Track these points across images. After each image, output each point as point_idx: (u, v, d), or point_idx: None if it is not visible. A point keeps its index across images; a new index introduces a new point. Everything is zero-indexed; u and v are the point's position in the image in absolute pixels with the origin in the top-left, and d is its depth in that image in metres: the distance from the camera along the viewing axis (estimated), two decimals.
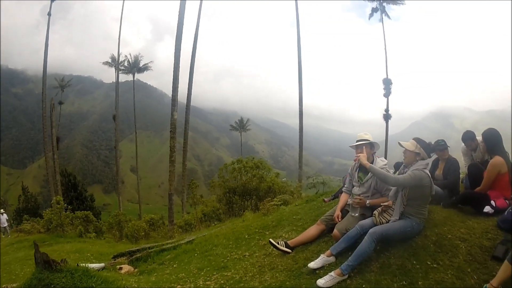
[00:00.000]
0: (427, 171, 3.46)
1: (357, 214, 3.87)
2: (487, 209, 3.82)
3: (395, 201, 3.53)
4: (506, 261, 2.63)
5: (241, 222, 7.11)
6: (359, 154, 3.71)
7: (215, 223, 11.40)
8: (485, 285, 2.72)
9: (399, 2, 31.72)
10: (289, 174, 62.12)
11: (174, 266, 5.09)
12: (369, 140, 3.98)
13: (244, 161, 13.46)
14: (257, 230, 5.42)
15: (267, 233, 5.16)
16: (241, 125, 65.16)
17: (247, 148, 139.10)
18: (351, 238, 3.51)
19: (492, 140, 4.08)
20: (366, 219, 3.66)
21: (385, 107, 31.29)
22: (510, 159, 3.99)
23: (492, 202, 3.84)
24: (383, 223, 3.49)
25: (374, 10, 31.71)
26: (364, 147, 3.84)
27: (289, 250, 3.99)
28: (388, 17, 32.06)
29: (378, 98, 34.13)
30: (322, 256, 3.53)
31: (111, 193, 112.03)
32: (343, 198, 4.19)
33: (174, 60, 17.28)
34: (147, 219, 14.53)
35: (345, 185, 4.33)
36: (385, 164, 3.91)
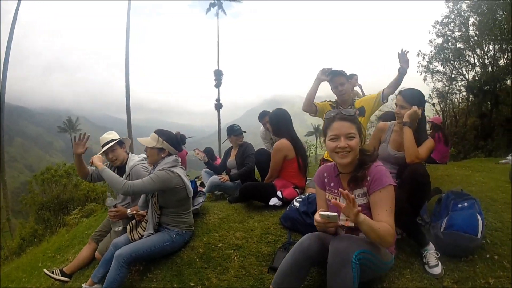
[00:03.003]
0: (177, 170, 2.84)
1: (120, 228, 3.15)
2: (273, 201, 3.38)
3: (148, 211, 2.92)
4: None
5: (46, 243, 6.15)
6: (93, 158, 3.08)
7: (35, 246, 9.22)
8: None
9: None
10: None
11: None
12: (116, 139, 3.38)
13: (53, 170, 12.04)
14: (51, 255, 4.55)
15: (58, 256, 4.37)
16: (71, 125, 58.84)
17: None
18: (107, 260, 2.77)
19: (278, 121, 3.60)
20: (121, 236, 2.99)
21: (216, 97, 33.89)
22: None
23: (279, 193, 3.40)
24: (136, 240, 2.86)
25: (211, 5, 34.67)
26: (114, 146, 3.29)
27: (65, 279, 3.29)
28: (224, 13, 34.71)
29: (213, 88, 35.10)
30: (84, 285, 2.85)
31: None
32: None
33: None
34: None
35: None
36: (141, 160, 3.34)
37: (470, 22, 13.01)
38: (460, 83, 13.32)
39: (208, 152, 5.87)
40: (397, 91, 3.17)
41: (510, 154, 6.20)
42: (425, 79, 13.71)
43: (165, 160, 2.85)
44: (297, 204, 2.95)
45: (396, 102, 2.70)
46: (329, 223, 1.76)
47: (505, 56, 12.25)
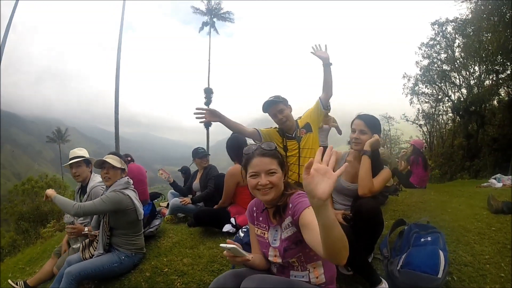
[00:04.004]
0: (129, 192, 2.86)
1: (78, 245, 3.11)
2: (227, 228, 3.29)
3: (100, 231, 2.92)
4: None
5: (20, 254, 6.08)
6: (46, 192, 3.01)
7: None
8: None
9: (228, 19, 35.57)
10: None
11: None
12: (84, 157, 3.37)
13: (33, 181, 12.01)
14: (22, 266, 4.52)
15: (28, 268, 4.32)
16: (60, 135, 57.86)
17: None
18: (61, 276, 2.74)
19: (232, 146, 3.51)
20: (75, 254, 3.01)
21: None
22: None
23: (232, 220, 3.30)
24: (86, 258, 2.86)
25: (204, 24, 35.20)
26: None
27: None
28: (217, 32, 35.47)
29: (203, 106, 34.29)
30: None
31: None
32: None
33: None
34: None
35: None
36: (101, 182, 3.25)
37: (455, 44, 13.25)
38: (446, 104, 13.43)
39: (185, 171, 5.65)
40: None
41: (493, 177, 6.11)
42: (411, 101, 13.83)
43: (118, 182, 2.87)
44: (242, 234, 2.75)
45: (354, 126, 2.45)
46: (235, 256, 1.61)
47: (490, 77, 12.41)
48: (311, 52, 2.89)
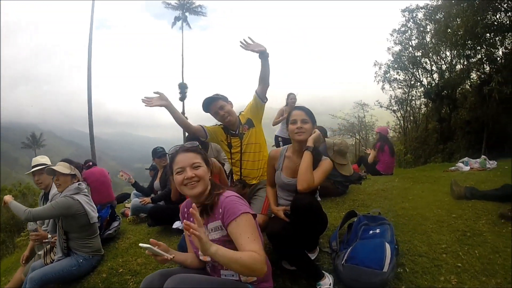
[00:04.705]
0: (79, 197, 2.98)
1: (41, 252, 3.23)
2: (176, 224, 3.35)
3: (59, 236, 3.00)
4: None
5: None
6: (4, 198, 3.16)
7: None
8: None
9: (201, 13, 35.28)
10: None
11: None
12: (46, 164, 3.49)
13: (7, 189, 12.00)
14: None
15: (3, 278, 4.48)
16: (35, 141, 56.05)
17: None
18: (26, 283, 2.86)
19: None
20: (38, 260, 3.20)
21: (181, 110, 32.62)
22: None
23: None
24: (48, 263, 3.02)
25: (176, 18, 34.91)
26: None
27: None
28: (189, 26, 35.27)
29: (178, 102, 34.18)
30: None
31: None
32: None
33: None
34: None
35: None
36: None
37: (427, 30, 13.32)
38: (420, 89, 13.56)
39: (154, 169, 5.51)
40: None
41: (460, 160, 6.10)
42: (383, 88, 13.94)
43: (68, 188, 3.00)
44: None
45: (295, 117, 2.35)
46: (155, 255, 1.63)
47: (461, 62, 12.53)
48: (241, 47, 2.72)
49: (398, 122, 14.32)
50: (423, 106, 13.87)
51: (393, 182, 4.58)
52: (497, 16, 10.59)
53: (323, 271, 2.19)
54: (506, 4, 10.17)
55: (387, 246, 2.10)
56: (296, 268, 2.24)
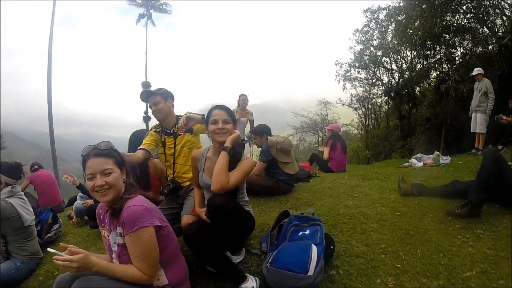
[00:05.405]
0: (12, 200, 2.96)
1: None
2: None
3: None
4: None
5: None
6: None
7: None
8: None
9: (165, 11, 34.31)
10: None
11: None
12: None
13: None
14: None
15: None
16: None
17: None
18: None
19: (134, 143, 3.36)
20: None
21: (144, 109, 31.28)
22: None
23: None
24: None
25: (141, 16, 33.85)
26: None
27: None
28: (153, 23, 34.36)
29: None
30: None
31: None
32: None
33: None
34: None
35: None
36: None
37: (388, 31, 13.62)
38: (380, 88, 13.88)
39: None
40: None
41: (413, 156, 6.11)
42: (344, 87, 14.21)
43: (3, 191, 2.98)
44: None
45: (216, 117, 2.26)
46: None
47: (421, 61, 12.89)
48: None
49: (360, 119, 14.64)
50: (384, 104, 14.24)
51: (342, 179, 4.49)
52: (456, 18, 10.95)
53: (246, 274, 2.12)
54: (465, 6, 10.53)
55: (314, 248, 2.00)
56: (215, 271, 2.20)
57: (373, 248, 2.38)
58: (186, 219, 2.50)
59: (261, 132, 4.07)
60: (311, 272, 1.87)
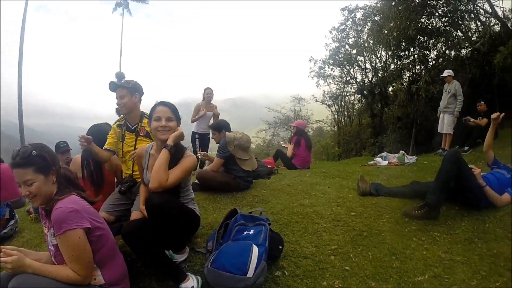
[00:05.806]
0: None
1: None
2: None
3: None
4: None
5: None
6: None
7: None
8: None
9: (142, 0, 33.35)
10: None
11: None
12: None
13: None
14: None
15: None
16: None
17: None
18: None
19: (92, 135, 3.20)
20: None
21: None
22: None
23: None
24: None
25: (117, 5, 33.00)
26: None
27: None
28: (130, 13, 33.55)
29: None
30: None
31: None
32: None
33: None
34: None
35: None
36: None
37: (365, 30, 13.72)
38: (354, 86, 14.04)
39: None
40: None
41: (379, 155, 6.14)
42: (318, 84, 14.29)
43: None
44: None
45: (159, 114, 2.22)
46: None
47: (395, 61, 13.06)
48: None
49: (332, 116, 14.86)
50: (356, 102, 14.44)
51: (304, 176, 4.45)
52: (431, 21, 11.13)
53: (188, 273, 2.09)
54: (441, 10, 10.71)
55: (255, 249, 1.97)
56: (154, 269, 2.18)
57: (322, 249, 2.35)
58: (135, 215, 2.49)
59: (220, 127, 4.01)
60: (250, 273, 1.85)
